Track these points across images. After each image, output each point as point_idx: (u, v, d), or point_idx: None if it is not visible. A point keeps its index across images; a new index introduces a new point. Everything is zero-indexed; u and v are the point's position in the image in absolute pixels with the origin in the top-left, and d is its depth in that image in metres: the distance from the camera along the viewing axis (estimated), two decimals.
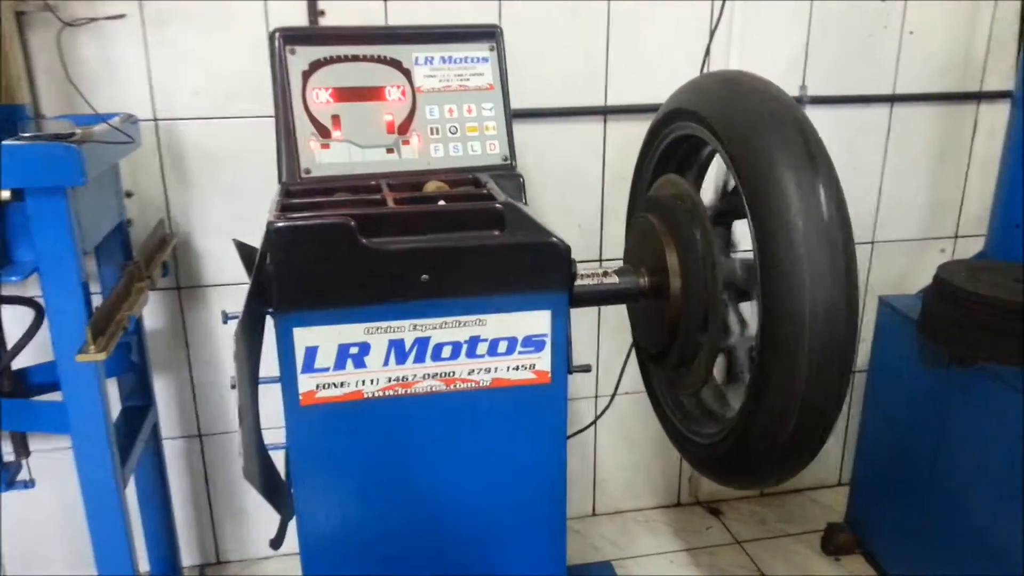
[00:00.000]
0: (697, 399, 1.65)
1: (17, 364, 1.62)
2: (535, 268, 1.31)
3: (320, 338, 1.28)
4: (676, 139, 1.63)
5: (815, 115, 2.21)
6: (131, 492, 1.89)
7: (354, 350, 1.29)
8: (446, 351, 1.32)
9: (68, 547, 2.17)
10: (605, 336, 2.38)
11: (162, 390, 2.14)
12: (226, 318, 1.46)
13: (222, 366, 2.18)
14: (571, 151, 2.20)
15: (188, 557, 2.32)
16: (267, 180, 2.02)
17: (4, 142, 1.32)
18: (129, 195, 1.97)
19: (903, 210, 2.45)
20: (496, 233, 1.31)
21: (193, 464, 2.25)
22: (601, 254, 2.30)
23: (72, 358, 1.36)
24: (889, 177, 2.40)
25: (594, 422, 2.36)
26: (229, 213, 2.05)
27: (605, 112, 2.18)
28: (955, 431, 1.90)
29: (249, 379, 1.33)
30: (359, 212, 1.27)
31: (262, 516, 2.33)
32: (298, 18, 1.93)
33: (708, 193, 1.78)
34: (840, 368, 1.26)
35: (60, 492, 2.08)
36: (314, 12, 1.94)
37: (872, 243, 2.46)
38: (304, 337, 1.27)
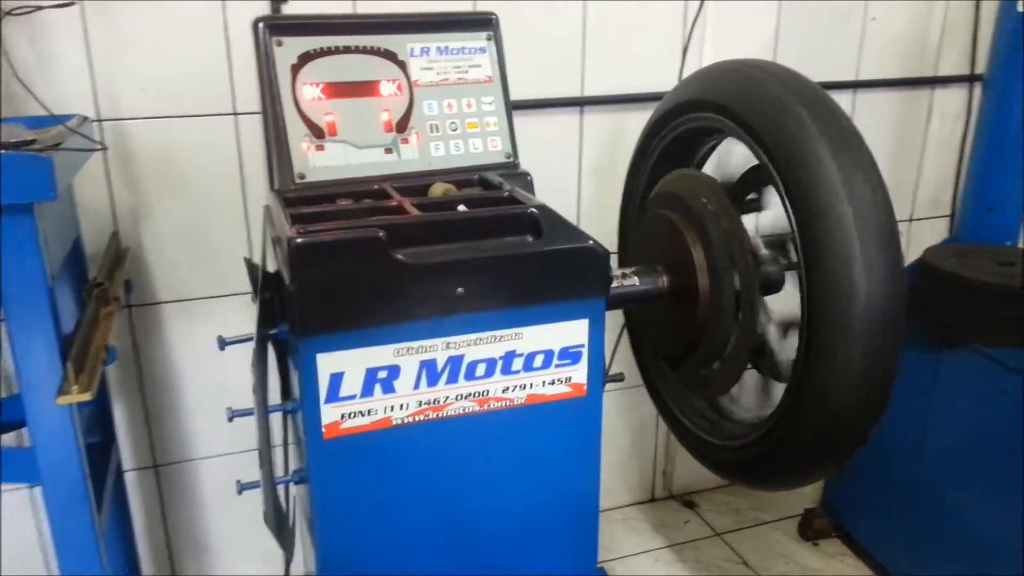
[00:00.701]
0: (713, 400, 1.60)
1: None
2: (573, 274, 1.22)
3: (346, 363, 1.15)
4: (683, 132, 1.57)
5: None
6: None
7: (383, 374, 1.17)
8: (480, 369, 1.22)
9: None
10: None
11: (120, 417, 1.94)
12: (223, 344, 1.31)
13: (179, 390, 1.99)
14: (547, 143, 2.11)
15: None
16: (225, 184, 1.87)
17: None
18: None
19: None
20: (531, 239, 1.22)
21: (147, 498, 2.05)
22: None
23: (46, 399, 1.19)
24: None
25: None
26: (184, 221, 1.87)
27: (582, 104, 2.10)
28: (942, 410, 1.93)
29: (266, 414, 1.19)
30: (386, 223, 1.15)
31: (225, 552, 2.15)
32: (258, 3, 1.77)
33: None
34: (886, 373, 1.23)
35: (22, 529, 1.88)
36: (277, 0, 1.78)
37: None
38: (329, 363, 1.14)
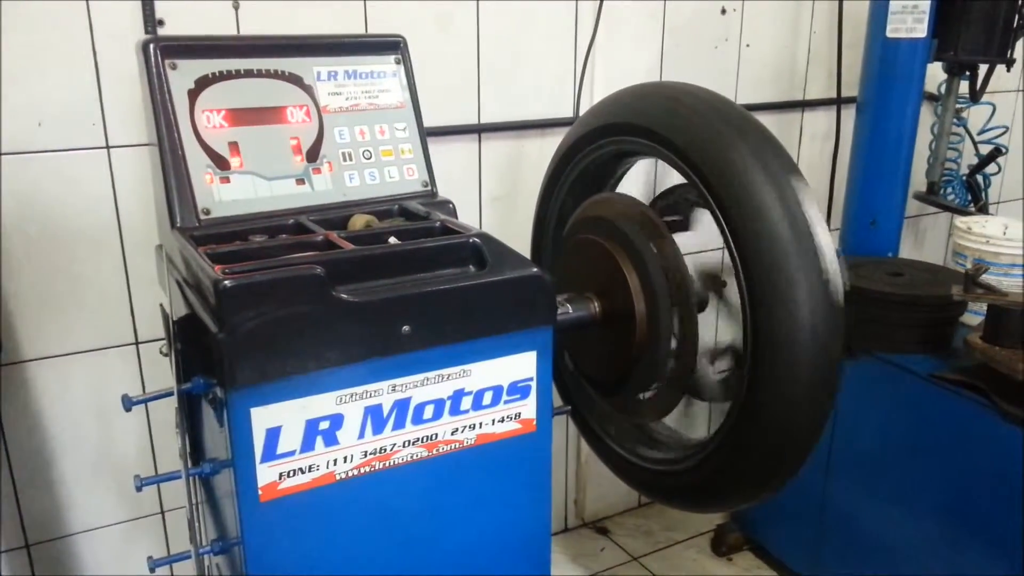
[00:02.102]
0: (642, 426, 1.58)
1: None
2: (521, 304, 1.16)
3: (284, 416, 1.03)
4: (598, 157, 1.55)
5: None
6: None
7: (324, 424, 1.06)
8: (428, 411, 1.13)
9: None
10: None
11: None
12: (129, 404, 1.15)
13: (51, 458, 1.77)
14: (447, 170, 2.02)
15: None
16: (94, 225, 1.68)
17: None
18: None
19: None
20: (474, 269, 1.15)
21: None
22: None
23: None
24: None
25: None
26: (52, 268, 1.67)
27: (479, 130, 2.06)
28: (843, 420, 1.99)
29: (190, 479, 1.05)
30: (322, 258, 1.05)
31: None
32: (131, 26, 1.62)
33: None
34: (829, 387, 1.24)
35: None
36: (152, 21, 1.63)
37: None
38: (265, 417, 1.02)
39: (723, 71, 2.37)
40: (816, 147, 2.59)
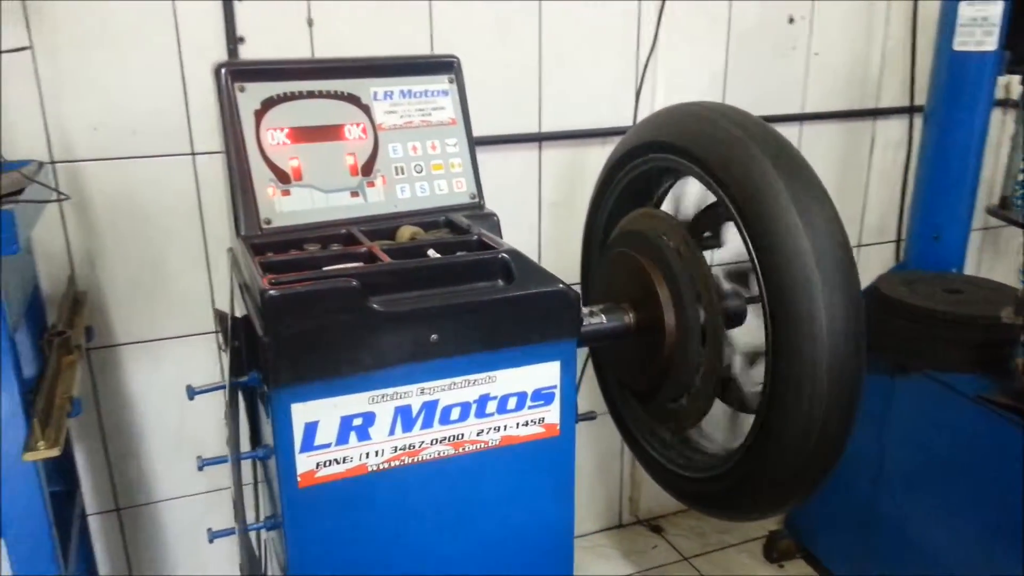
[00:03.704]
0: (681, 433, 1.63)
1: None
2: (545, 317, 1.23)
3: (321, 412, 1.14)
4: (643, 172, 1.61)
5: None
6: None
7: (357, 421, 1.17)
8: (454, 413, 1.22)
9: None
10: None
11: (80, 462, 1.90)
12: (193, 393, 1.29)
13: (141, 432, 1.96)
14: (507, 179, 2.14)
15: None
16: (180, 223, 1.85)
17: None
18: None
19: None
20: (502, 284, 1.23)
21: (111, 542, 2.01)
22: None
23: (11, 455, 1.16)
24: None
25: None
26: (142, 263, 1.85)
27: (540, 139, 2.13)
28: (899, 433, 1.99)
29: (239, 464, 1.18)
30: (359, 271, 1.16)
31: None
32: (214, 43, 1.76)
33: None
34: (851, 402, 1.27)
35: None
36: (233, 39, 1.77)
37: None
38: (304, 413, 1.13)
39: (790, 80, 2.36)
40: (889, 156, 2.55)
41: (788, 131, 2.42)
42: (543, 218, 2.21)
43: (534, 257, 2.20)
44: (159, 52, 1.73)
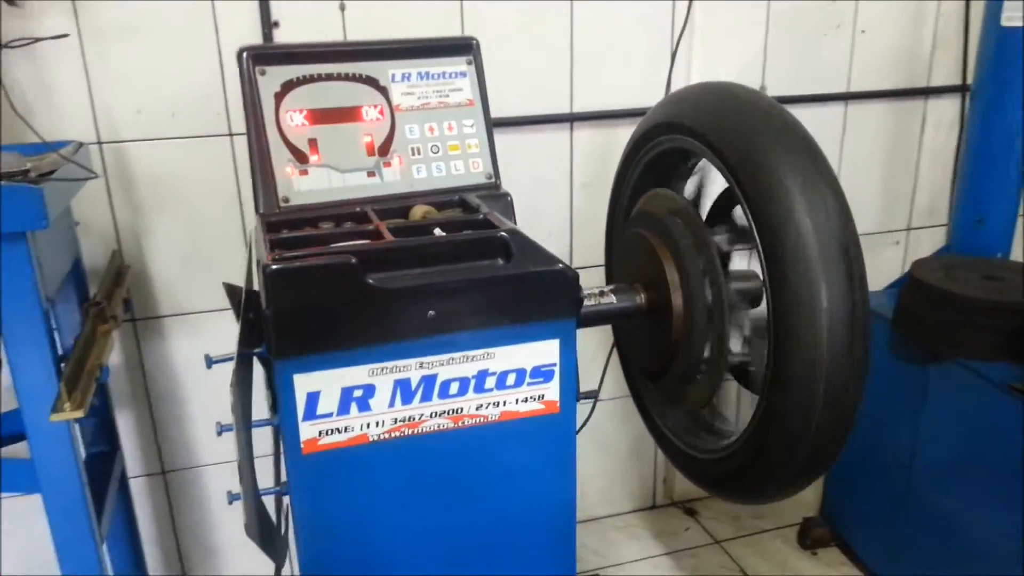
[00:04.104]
0: (695, 414, 1.63)
1: None
2: (544, 297, 1.26)
3: (322, 383, 1.20)
4: (660, 153, 1.60)
5: None
6: None
7: (358, 393, 1.22)
8: (453, 387, 1.26)
9: None
10: (580, 343, 2.34)
11: (122, 427, 2.01)
12: (211, 362, 1.36)
13: (184, 400, 2.06)
14: (539, 159, 2.15)
15: None
16: (219, 201, 1.93)
17: None
18: (75, 224, 1.83)
19: (858, 205, 2.43)
20: (502, 263, 1.26)
21: (157, 502, 2.13)
22: (571, 261, 2.26)
23: (42, 417, 1.25)
24: (846, 174, 2.44)
25: (579, 430, 2.32)
26: (182, 237, 1.93)
27: (571, 119, 2.14)
28: (932, 423, 1.94)
29: (246, 429, 1.24)
30: (359, 248, 1.20)
31: (231, 553, 2.22)
32: (250, 28, 1.83)
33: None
34: (852, 389, 1.26)
35: (26, 538, 1.93)
36: (268, 23, 1.84)
37: None
38: (305, 383, 1.19)
39: (834, 59, 2.30)
40: (941, 136, 2.47)
41: (832, 111, 2.37)
42: (575, 199, 2.22)
43: (565, 238, 2.24)
44: (198, 37, 1.80)
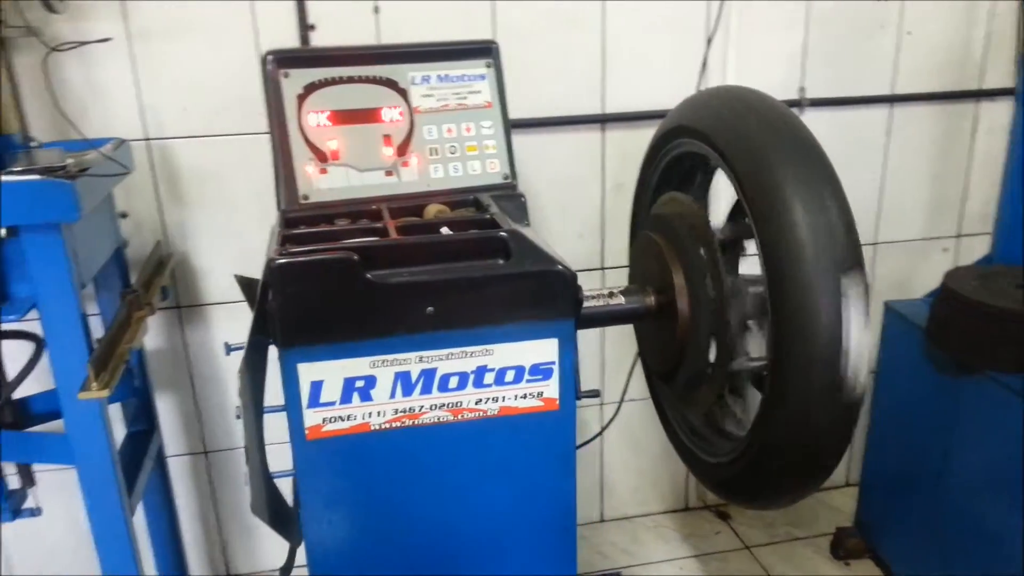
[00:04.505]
0: (708, 417, 1.64)
1: (19, 393, 1.60)
2: (542, 296, 1.29)
3: (325, 372, 1.26)
4: (678, 156, 1.61)
5: (815, 117, 2.24)
6: (140, 510, 1.88)
7: (360, 383, 1.27)
8: (453, 382, 1.30)
9: (79, 568, 2.16)
10: (610, 342, 2.36)
11: (167, 409, 2.13)
12: (229, 350, 1.44)
13: (225, 384, 2.16)
14: (570, 160, 2.17)
15: (198, 569, 2.31)
16: (259, 196, 2.01)
17: None
18: (124, 216, 1.94)
19: (905, 210, 2.44)
20: (501, 262, 1.29)
21: (200, 480, 2.24)
22: (603, 262, 2.28)
23: (75, 394, 1.34)
24: (890, 178, 2.39)
25: (600, 433, 2.34)
26: (224, 230, 2.03)
27: (603, 120, 2.16)
28: (962, 436, 1.89)
29: (255, 413, 1.31)
30: (361, 245, 1.25)
31: (269, 530, 2.31)
32: (288, 31, 1.91)
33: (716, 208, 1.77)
34: (849, 402, 1.24)
35: (69, 512, 2.06)
36: (304, 25, 1.91)
37: (875, 244, 2.45)
38: (309, 372, 1.25)
39: (878, 60, 2.26)
40: (994, 141, 2.39)
41: (877, 113, 2.32)
42: (607, 199, 2.23)
43: (597, 238, 2.26)
44: (239, 39, 1.89)
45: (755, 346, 1.46)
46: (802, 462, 1.32)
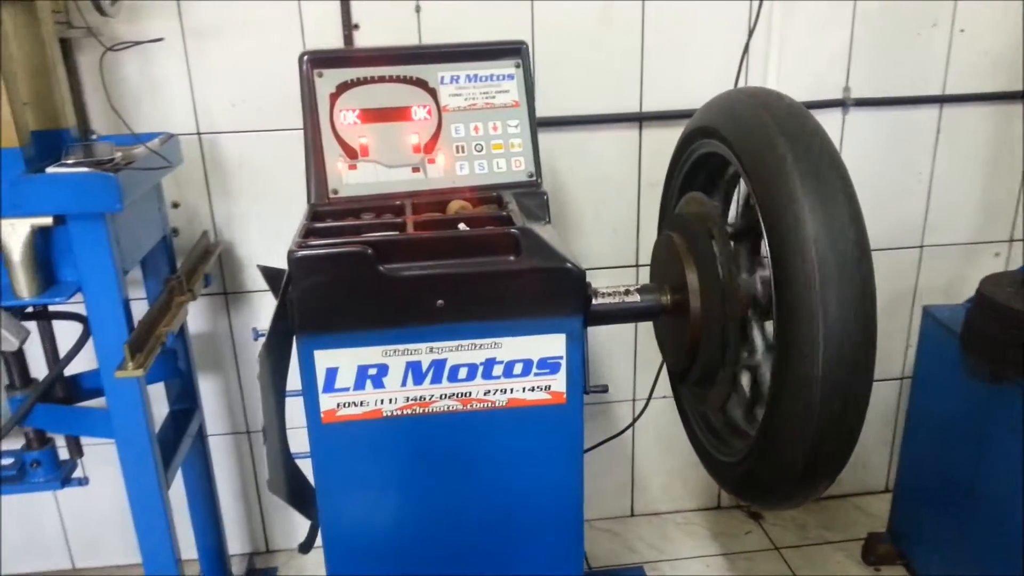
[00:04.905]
0: (725, 415, 1.65)
1: (71, 370, 1.72)
2: (550, 293, 1.33)
3: (340, 360, 1.32)
4: (702, 156, 1.62)
5: (860, 117, 2.21)
6: (181, 485, 1.99)
7: (372, 371, 1.34)
8: (462, 372, 1.36)
9: (127, 537, 2.29)
10: (643, 337, 2.38)
11: (212, 389, 2.25)
12: (256, 335, 1.52)
13: None
14: (607, 157, 2.19)
15: (238, 545, 2.43)
16: (303, 189, 2.08)
17: (48, 169, 1.40)
18: (176, 206, 2.06)
19: (954, 213, 2.38)
20: (511, 258, 1.33)
21: (242, 459, 2.35)
22: (637, 259, 2.30)
23: (114, 373, 1.44)
24: (939, 179, 2.33)
25: (631, 425, 2.37)
26: (268, 222, 2.12)
27: (640, 119, 2.17)
28: (996, 445, 1.85)
29: (274, 397, 1.38)
30: (377, 239, 1.31)
31: None
32: (333, 30, 1.98)
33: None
34: (855, 406, 1.24)
35: (117, 483, 2.18)
36: (348, 25, 1.98)
37: (921, 247, 2.40)
38: (324, 359, 1.32)
39: (927, 59, 2.20)
40: None
41: (925, 114, 2.26)
42: (641, 196, 2.24)
43: (632, 235, 2.27)
44: (286, 38, 1.97)
45: (765, 343, 1.47)
46: (802, 465, 1.32)
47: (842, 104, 2.21)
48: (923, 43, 2.19)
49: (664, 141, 2.18)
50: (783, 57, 2.14)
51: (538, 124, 2.05)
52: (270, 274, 1.52)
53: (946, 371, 2.00)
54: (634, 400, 2.44)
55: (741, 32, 2.12)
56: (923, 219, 2.37)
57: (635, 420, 2.31)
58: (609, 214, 2.25)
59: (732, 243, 1.47)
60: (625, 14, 2.07)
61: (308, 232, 1.38)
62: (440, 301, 1.30)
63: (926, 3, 2.15)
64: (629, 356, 2.40)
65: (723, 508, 2.63)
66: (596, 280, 2.25)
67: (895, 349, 2.51)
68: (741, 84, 2.14)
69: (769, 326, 1.47)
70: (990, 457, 1.87)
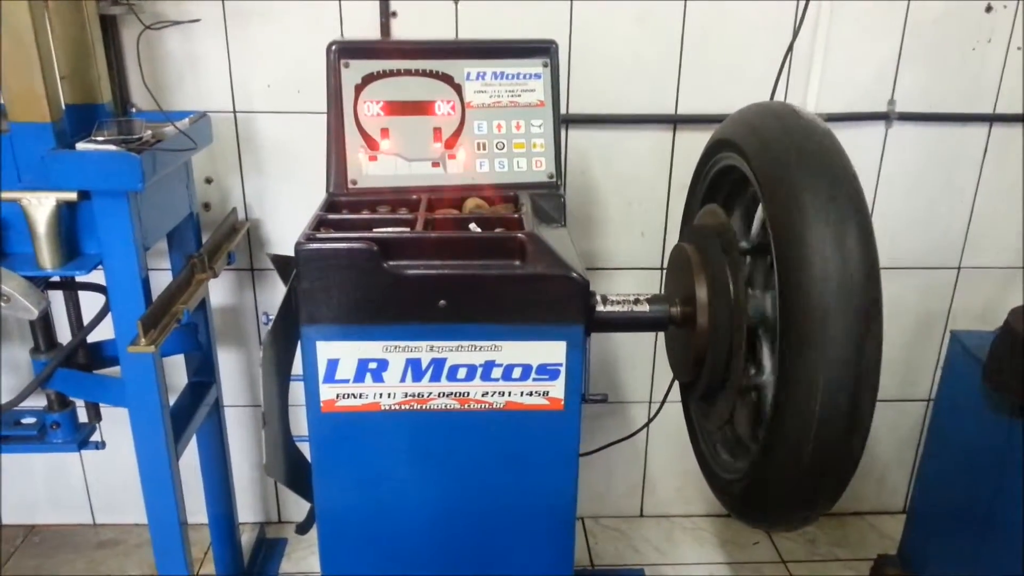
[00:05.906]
0: (731, 430, 1.63)
1: (93, 338, 1.78)
2: (553, 300, 1.33)
3: (341, 352, 1.34)
4: (726, 167, 1.59)
5: (903, 132, 2.15)
6: (195, 455, 2.05)
7: (373, 365, 1.35)
8: (461, 372, 1.37)
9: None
10: (663, 344, 2.36)
11: (235, 362, 2.30)
12: (267, 320, 1.55)
13: None
14: (639, 158, 2.17)
15: (252, 514, 2.50)
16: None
17: (78, 145, 1.44)
18: (209, 181, 2.10)
19: (995, 236, 2.30)
20: (516, 263, 1.34)
21: (259, 431, 2.41)
22: (663, 262, 2.28)
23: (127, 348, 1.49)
24: (983, 200, 2.26)
25: (644, 427, 2.36)
26: (296, 201, 2.15)
27: (674, 121, 2.14)
28: (1014, 479, 1.80)
29: (277, 383, 1.41)
30: (383, 236, 1.32)
31: None
32: (370, 17, 1.99)
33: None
34: (856, 434, 1.22)
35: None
36: (386, 13, 1.98)
37: (958, 268, 2.33)
38: (326, 350, 1.34)
39: (979, 76, 2.13)
40: None
41: (973, 132, 2.19)
42: (671, 200, 2.22)
43: (659, 239, 2.25)
44: (323, 22, 1.99)
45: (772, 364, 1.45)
46: (798, 490, 1.31)
47: (886, 117, 2.15)
48: (977, 59, 2.11)
49: (697, 145, 2.14)
50: (827, 63, 2.08)
51: (572, 121, 2.04)
52: (280, 262, 1.54)
53: (969, 398, 1.95)
54: (650, 402, 2.43)
55: (784, 35, 2.07)
56: (963, 240, 2.30)
57: (649, 422, 2.31)
58: (638, 215, 2.24)
59: (748, 258, 1.45)
60: (665, 13, 2.04)
61: (319, 223, 1.40)
62: (442, 301, 1.31)
63: (983, 17, 2.07)
64: (648, 357, 2.39)
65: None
66: (620, 281, 2.25)
67: (923, 369, 2.45)
68: (781, 90, 2.09)
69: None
70: (1008, 489, 1.82)
